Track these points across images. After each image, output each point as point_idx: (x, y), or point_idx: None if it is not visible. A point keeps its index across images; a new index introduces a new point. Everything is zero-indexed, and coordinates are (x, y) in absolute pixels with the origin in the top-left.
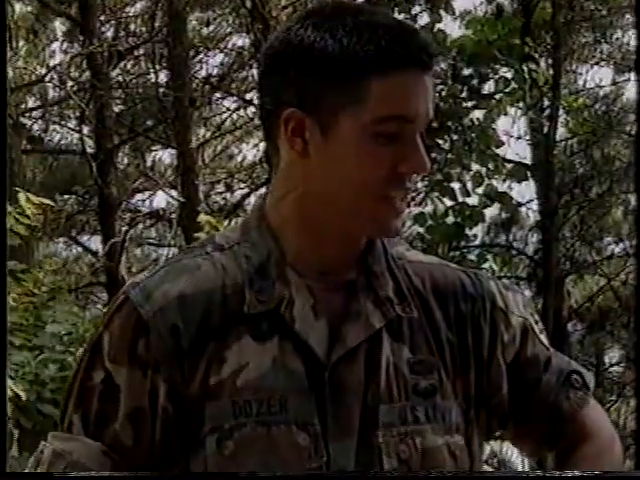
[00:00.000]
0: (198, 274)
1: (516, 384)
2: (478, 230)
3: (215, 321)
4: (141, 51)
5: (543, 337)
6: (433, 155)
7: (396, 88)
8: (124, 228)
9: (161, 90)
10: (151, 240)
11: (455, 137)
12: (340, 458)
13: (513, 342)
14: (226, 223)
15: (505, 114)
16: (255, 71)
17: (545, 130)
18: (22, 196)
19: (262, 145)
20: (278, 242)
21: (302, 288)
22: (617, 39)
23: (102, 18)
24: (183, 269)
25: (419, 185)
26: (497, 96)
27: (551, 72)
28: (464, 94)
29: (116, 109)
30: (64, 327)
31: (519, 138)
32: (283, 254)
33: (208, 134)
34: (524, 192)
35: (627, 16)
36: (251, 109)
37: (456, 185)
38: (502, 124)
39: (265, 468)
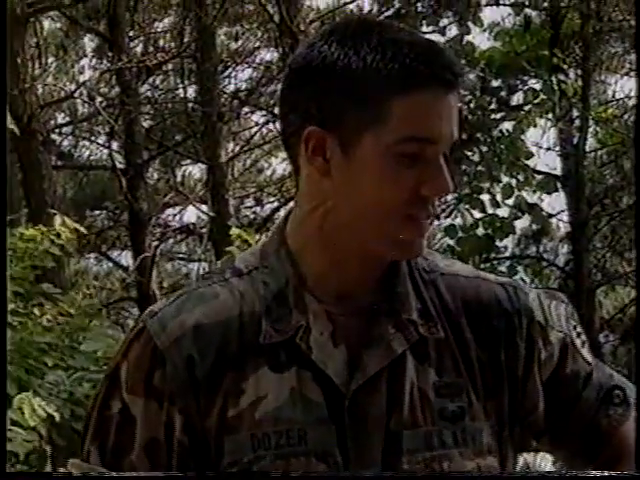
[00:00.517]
0: (215, 303)
1: (554, 401)
2: (508, 242)
3: (232, 352)
4: (170, 66)
5: (585, 351)
6: (463, 167)
7: (418, 108)
8: (154, 243)
9: (190, 105)
10: (182, 255)
11: (484, 149)
12: None
13: (551, 359)
14: (257, 237)
15: (534, 125)
16: None
17: (575, 141)
18: (58, 219)
19: None
20: (297, 267)
21: (321, 315)
22: None
23: (131, 34)
24: (200, 298)
25: (449, 197)
26: (526, 107)
27: (580, 83)
28: (493, 106)
29: (145, 124)
30: (98, 346)
31: (549, 149)
32: (302, 279)
33: (237, 148)
34: (554, 203)
35: None
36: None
37: (486, 197)
38: (531, 135)
39: None
